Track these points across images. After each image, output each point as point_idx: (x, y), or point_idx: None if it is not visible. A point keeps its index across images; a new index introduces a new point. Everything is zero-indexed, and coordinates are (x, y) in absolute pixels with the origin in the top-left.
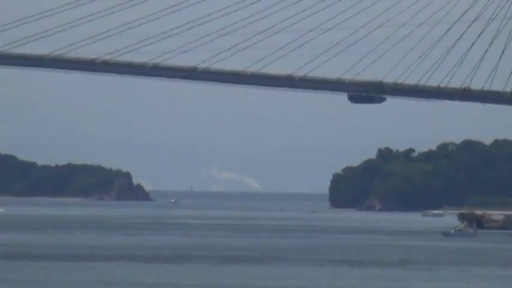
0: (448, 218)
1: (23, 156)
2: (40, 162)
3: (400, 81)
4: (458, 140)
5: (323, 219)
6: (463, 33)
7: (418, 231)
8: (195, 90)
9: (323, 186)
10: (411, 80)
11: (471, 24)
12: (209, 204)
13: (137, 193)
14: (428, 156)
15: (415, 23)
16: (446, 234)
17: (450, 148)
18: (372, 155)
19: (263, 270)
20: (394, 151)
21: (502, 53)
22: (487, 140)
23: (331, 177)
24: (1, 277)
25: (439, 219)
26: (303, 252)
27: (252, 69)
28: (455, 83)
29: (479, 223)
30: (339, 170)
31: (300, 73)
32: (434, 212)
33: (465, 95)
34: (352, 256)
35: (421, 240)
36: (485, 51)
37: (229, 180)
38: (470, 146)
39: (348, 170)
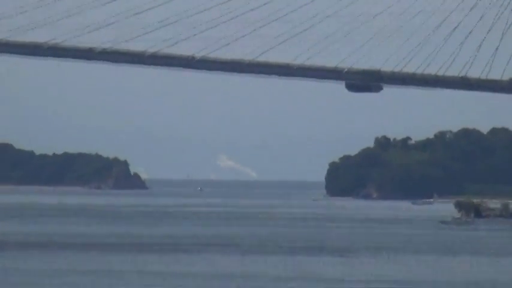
0: (438, 206)
1: (20, 145)
2: (37, 151)
3: (397, 69)
4: (455, 128)
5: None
6: (461, 22)
7: (413, 220)
8: (192, 79)
9: (319, 175)
10: (409, 69)
11: (469, 12)
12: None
13: (134, 181)
14: (425, 144)
15: (413, 12)
16: (444, 223)
17: (447, 136)
18: (369, 143)
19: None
20: (391, 139)
21: (500, 41)
22: (485, 129)
23: (327, 166)
24: None
25: (429, 207)
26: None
27: (250, 57)
28: (453, 72)
29: (477, 211)
30: (336, 159)
31: (298, 62)
32: (424, 200)
33: (463, 83)
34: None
35: (419, 228)
36: (483, 40)
37: (227, 169)
38: (467, 135)
39: (345, 158)
